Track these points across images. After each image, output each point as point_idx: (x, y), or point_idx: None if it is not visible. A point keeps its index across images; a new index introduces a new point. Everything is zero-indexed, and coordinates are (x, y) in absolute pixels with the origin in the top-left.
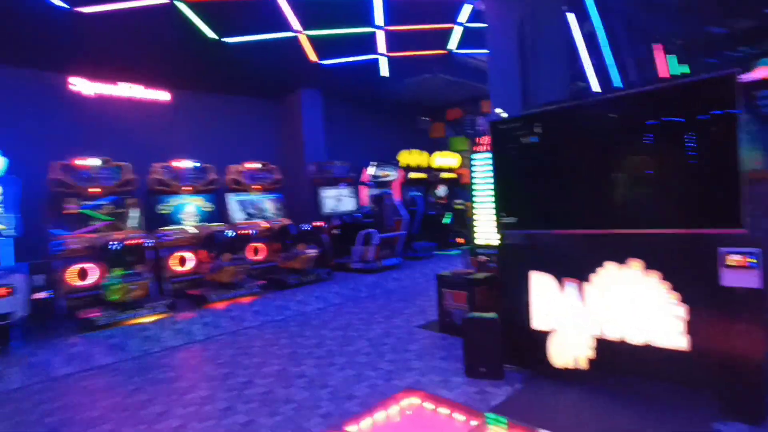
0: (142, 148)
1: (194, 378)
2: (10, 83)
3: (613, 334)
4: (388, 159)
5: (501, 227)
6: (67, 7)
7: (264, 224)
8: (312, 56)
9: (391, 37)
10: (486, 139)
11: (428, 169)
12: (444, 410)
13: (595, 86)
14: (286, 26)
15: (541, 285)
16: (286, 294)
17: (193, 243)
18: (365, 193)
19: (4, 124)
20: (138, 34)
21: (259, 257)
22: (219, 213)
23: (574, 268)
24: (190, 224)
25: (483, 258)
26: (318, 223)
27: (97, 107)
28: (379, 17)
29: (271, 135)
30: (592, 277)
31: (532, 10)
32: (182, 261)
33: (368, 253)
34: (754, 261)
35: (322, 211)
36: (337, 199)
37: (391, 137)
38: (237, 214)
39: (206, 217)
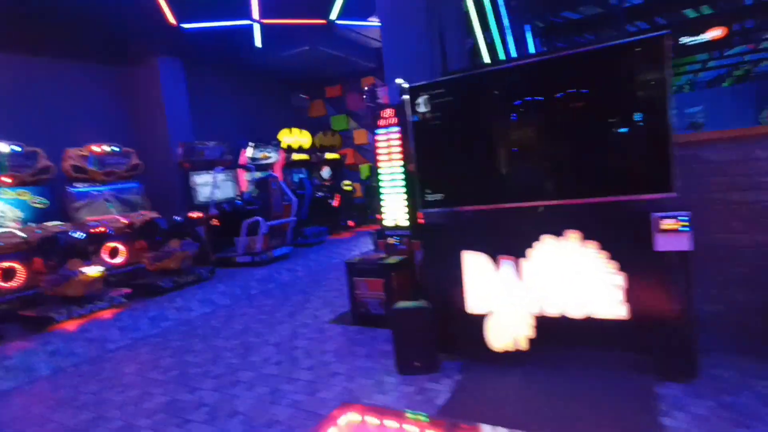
0: None
1: None
2: None
3: (553, 311)
4: (268, 139)
5: (424, 205)
6: None
7: (123, 219)
8: (170, 18)
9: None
10: (389, 112)
11: (311, 150)
12: (391, 423)
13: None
14: None
15: (474, 265)
16: (161, 301)
17: (22, 249)
18: (244, 177)
19: None
20: None
21: (119, 260)
22: (58, 210)
23: (510, 244)
24: (13, 226)
25: (392, 240)
26: (193, 214)
27: None
28: None
29: (124, 112)
30: (530, 252)
31: None
32: (8, 274)
33: (255, 244)
34: (686, 224)
35: (196, 200)
36: (212, 186)
37: (268, 115)
38: (85, 208)
39: (38, 216)
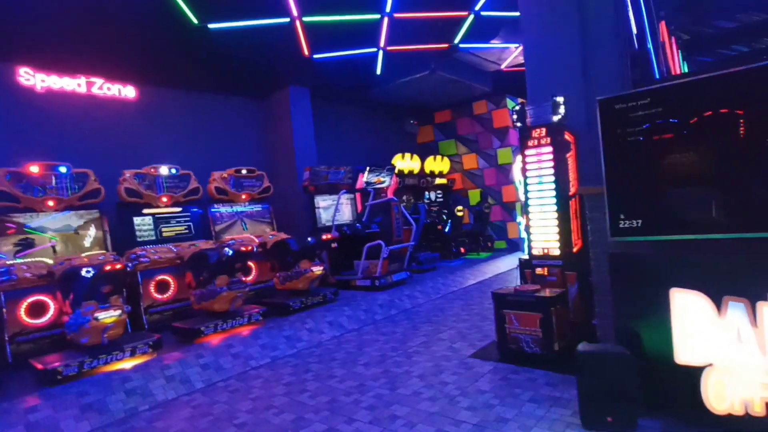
0: (107, 153)
1: None
2: None
3: None
4: (382, 164)
5: (615, 233)
6: None
7: (256, 239)
8: (305, 49)
9: (394, 26)
10: (541, 131)
11: (420, 175)
12: None
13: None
14: (283, 10)
15: (688, 307)
16: (292, 320)
17: (176, 264)
18: (360, 201)
19: None
20: (102, 13)
21: (250, 278)
22: (200, 227)
23: (742, 283)
24: (169, 242)
25: (540, 271)
26: (326, 236)
27: (50, 104)
28: (389, 1)
29: (256, 138)
30: None
31: None
32: (164, 287)
33: (376, 268)
34: None
35: (319, 223)
36: (334, 209)
37: (382, 141)
38: (224, 227)
39: (187, 233)
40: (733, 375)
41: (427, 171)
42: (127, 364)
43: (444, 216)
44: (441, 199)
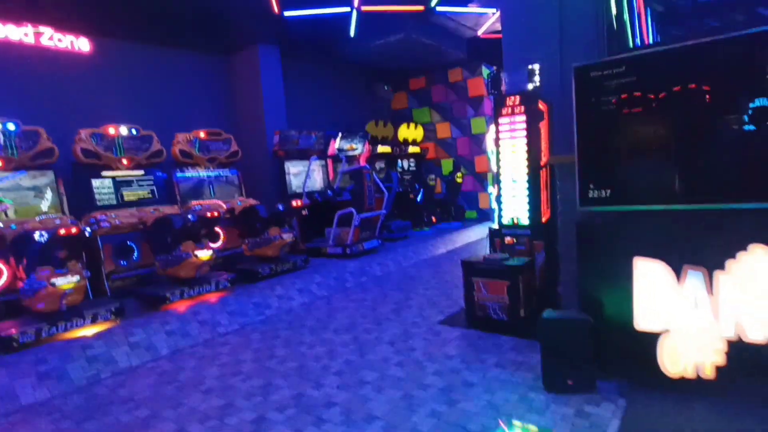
0: (60, 110)
1: (173, 417)
2: None
3: (755, 336)
4: (353, 130)
5: (584, 202)
6: None
7: (224, 205)
8: (275, 6)
9: None
10: (515, 99)
11: (393, 143)
12: None
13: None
14: None
15: (649, 275)
16: (261, 287)
17: (139, 229)
18: (331, 168)
19: None
20: None
21: (218, 244)
22: (164, 192)
23: (702, 252)
24: (131, 206)
25: (510, 240)
26: (295, 203)
27: None
28: None
29: (223, 98)
30: (730, 263)
31: None
32: (126, 252)
33: (347, 236)
34: None
35: (289, 189)
36: (305, 175)
37: (355, 107)
38: (189, 192)
39: (151, 197)
40: (688, 340)
41: (401, 139)
42: (88, 331)
43: (416, 185)
44: (414, 168)
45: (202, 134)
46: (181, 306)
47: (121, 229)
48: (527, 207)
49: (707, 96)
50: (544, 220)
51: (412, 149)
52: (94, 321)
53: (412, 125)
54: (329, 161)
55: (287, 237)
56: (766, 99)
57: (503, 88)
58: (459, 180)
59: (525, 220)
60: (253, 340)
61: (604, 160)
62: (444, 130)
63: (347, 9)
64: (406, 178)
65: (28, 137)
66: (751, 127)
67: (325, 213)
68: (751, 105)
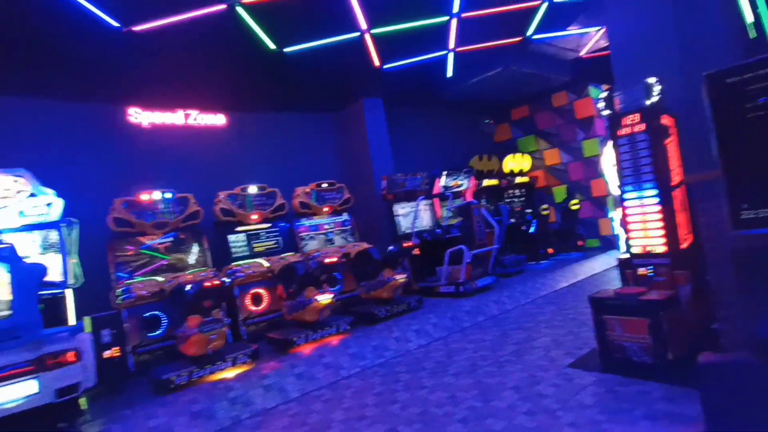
0: (203, 177)
1: None
2: (62, 118)
3: None
4: (459, 167)
5: (738, 225)
6: (118, 25)
7: (340, 250)
8: (376, 61)
9: (464, 26)
10: (633, 118)
11: (500, 175)
12: None
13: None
14: (352, 26)
15: None
16: (378, 329)
17: (267, 278)
18: (438, 206)
19: (60, 163)
20: (193, 50)
21: (337, 288)
22: (288, 241)
23: None
24: (260, 257)
25: (643, 271)
26: (407, 244)
27: (155, 137)
28: (456, 3)
29: (333, 151)
30: None
31: None
32: (258, 299)
33: (459, 274)
34: None
35: (399, 231)
36: (413, 215)
37: (458, 143)
38: (309, 240)
39: (276, 247)
40: None
41: (507, 170)
42: (230, 373)
43: (528, 216)
44: (524, 199)
45: (317, 186)
46: (307, 349)
47: (254, 278)
48: (661, 233)
49: None
50: (685, 246)
51: (519, 179)
52: (234, 364)
53: (518, 155)
54: (435, 200)
55: (400, 278)
56: None
57: (617, 107)
58: (574, 207)
59: (660, 248)
60: (375, 384)
61: (759, 175)
62: (552, 156)
63: (443, 52)
64: (517, 210)
65: (181, 203)
66: None
67: (435, 252)
68: None
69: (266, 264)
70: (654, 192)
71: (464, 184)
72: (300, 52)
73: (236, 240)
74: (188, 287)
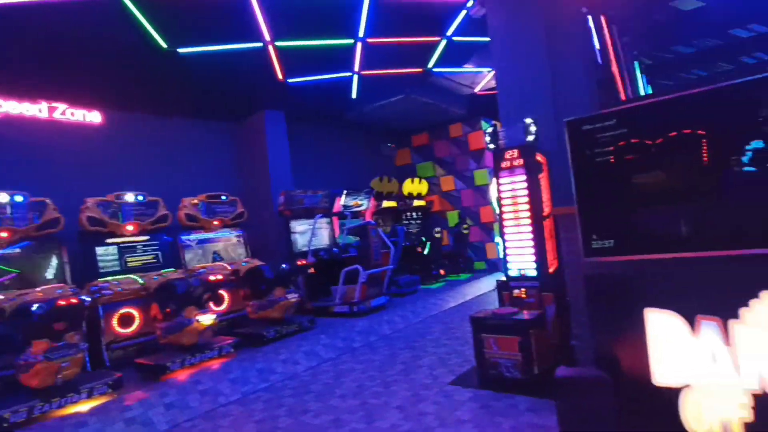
0: (69, 180)
1: None
2: None
3: None
4: (358, 187)
5: (588, 253)
6: None
7: (228, 267)
8: (279, 74)
9: (368, 51)
10: (513, 153)
11: (398, 197)
12: None
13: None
14: (256, 35)
15: (662, 327)
16: (266, 351)
17: (141, 296)
18: (337, 225)
19: None
20: (67, 36)
21: (222, 308)
22: (169, 256)
23: (714, 301)
24: (135, 272)
25: (518, 293)
26: (301, 262)
27: (8, 131)
28: (362, 27)
29: (230, 163)
30: (744, 312)
31: (551, 13)
32: (128, 320)
33: (354, 293)
34: None
35: (295, 248)
36: (310, 233)
37: (360, 164)
38: (194, 256)
39: (155, 262)
40: (710, 396)
41: (405, 193)
42: (84, 406)
43: (423, 238)
44: (420, 222)
45: (208, 197)
46: (182, 375)
47: (124, 296)
48: (533, 258)
49: (703, 141)
50: (551, 270)
51: (417, 203)
52: (89, 396)
53: (416, 180)
54: (334, 219)
55: (292, 298)
56: (761, 141)
57: (501, 142)
58: (465, 231)
59: (532, 272)
60: (256, 411)
61: (605, 210)
62: (447, 183)
63: (348, 74)
64: (413, 232)
65: (35, 208)
66: (751, 169)
67: (332, 271)
68: (747, 147)
69: (140, 281)
70: (528, 221)
71: (364, 204)
72: (197, 55)
73: (105, 253)
74: (35, 306)
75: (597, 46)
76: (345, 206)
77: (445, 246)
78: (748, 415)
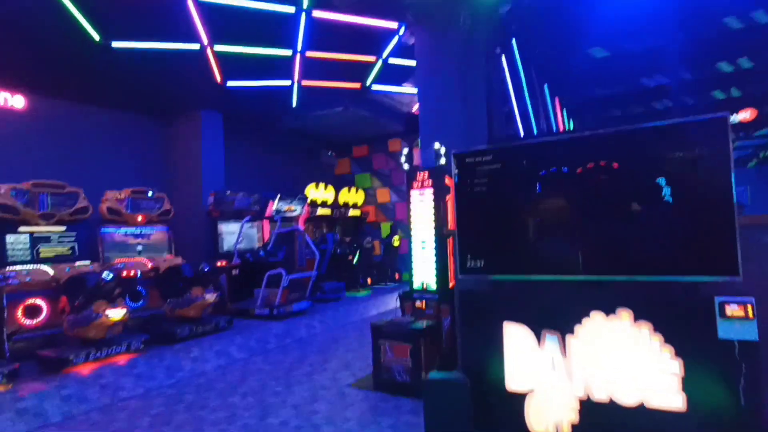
0: None
1: None
2: None
3: (600, 395)
4: (293, 192)
5: (464, 271)
6: None
7: (149, 263)
8: (217, 76)
9: (307, 63)
10: (424, 175)
11: (334, 206)
12: None
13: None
14: (193, 37)
15: (516, 338)
16: (177, 349)
17: (51, 287)
18: (267, 228)
19: None
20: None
21: (138, 304)
22: (88, 249)
23: (556, 318)
24: (47, 263)
25: (420, 304)
26: (220, 263)
27: None
28: (300, 40)
29: (160, 159)
30: (577, 328)
31: (469, 50)
32: (34, 311)
33: (275, 297)
34: (752, 311)
35: (221, 249)
36: (237, 235)
37: (297, 170)
38: (115, 250)
39: (71, 254)
40: (548, 400)
41: (342, 202)
42: None
43: (355, 245)
44: (354, 231)
45: (133, 192)
46: (86, 369)
47: (31, 286)
48: (434, 273)
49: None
50: (451, 285)
51: (352, 212)
52: None
53: (353, 189)
54: (265, 222)
55: (210, 297)
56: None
57: (416, 162)
58: (396, 243)
59: (433, 285)
60: (155, 405)
61: (479, 234)
62: (384, 195)
63: (288, 82)
64: (346, 240)
65: None
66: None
67: (257, 274)
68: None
69: (51, 272)
70: (432, 238)
71: (297, 209)
72: (132, 50)
73: (16, 241)
74: None
75: (509, 83)
76: (278, 211)
77: (377, 256)
78: (575, 418)
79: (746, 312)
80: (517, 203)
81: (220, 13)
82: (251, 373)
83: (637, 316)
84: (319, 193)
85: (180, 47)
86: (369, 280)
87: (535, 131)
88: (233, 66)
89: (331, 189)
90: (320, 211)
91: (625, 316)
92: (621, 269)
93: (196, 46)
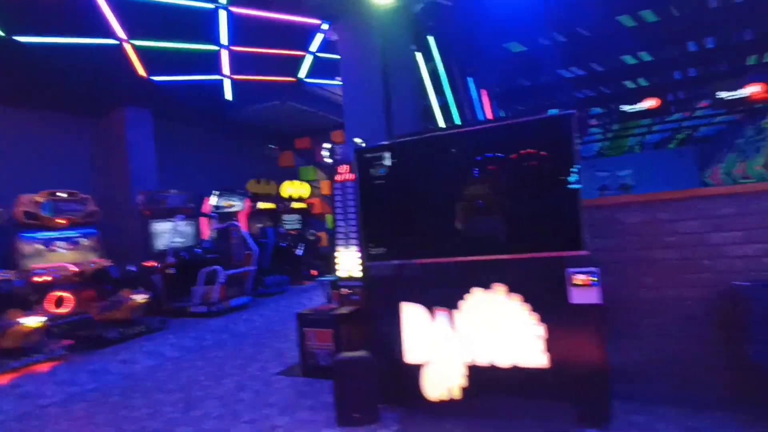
0: None
1: None
2: None
3: (482, 360)
4: (234, 188)
5: (368, 258)
6: None
7: (72, 267)
8: (140, 70)
9: (236, 58)
10: (346, 168)
11: (277, 199)
12: None
13: (441, 122)
14: (108, 32)
15: (412, 316)
16: (105, 353)
17: None
18: (206, 225)
19: None
20: None
21: (65, 309)
22: (4, 256)
23: (444, 296)
24: None
25: (346, 291)
26: (148, 263)
27: None
28: (223, 36)
29: (84, 159)
30: (461, 304)
31: (387, 46)
32: None
33: (212, 294)
34: (595, 279)
35: (155, 248)
36: (171, 234)
37: (237, 165)
38: (36, 256)
39: None
40: (442, 368)
41: (285, 195)
42: None
43: (299, 239)
44: (299, 224)
45: (52, 195)
46: (3, 379)
47: None
48: (360, 261)
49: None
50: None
51: (297, 205)
52: None
53: (297, 182)
54: (202, 219)
55: (140, 298)
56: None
57: (338, 157)
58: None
59: (357, 273)
60: (76, 410)
61: (379, 224)
62: (327, 187)
63: (218, 77)
64: (291, 233)
65: None
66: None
67: (194, 271)
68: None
69: None
70: (354, 228)
71: (238, 205)
72: (41, 45)
73: None
74: None
75: (427, 78)
76: (216, 207)
77: (323, 247)
78: (465, 382)
79: (590, 280)
80: (410, 195)
81: (135, 9)
82: (182, 370)
83: (511, 290)
84: (260, 187)
85: (93, 42)
86: (314, 272)
87: (459, 122)
88: (159, 61)
89: (273, 183)
90: (263, 205)
91: (500, 290)
92: (495, 250)
93: (113, 41)
